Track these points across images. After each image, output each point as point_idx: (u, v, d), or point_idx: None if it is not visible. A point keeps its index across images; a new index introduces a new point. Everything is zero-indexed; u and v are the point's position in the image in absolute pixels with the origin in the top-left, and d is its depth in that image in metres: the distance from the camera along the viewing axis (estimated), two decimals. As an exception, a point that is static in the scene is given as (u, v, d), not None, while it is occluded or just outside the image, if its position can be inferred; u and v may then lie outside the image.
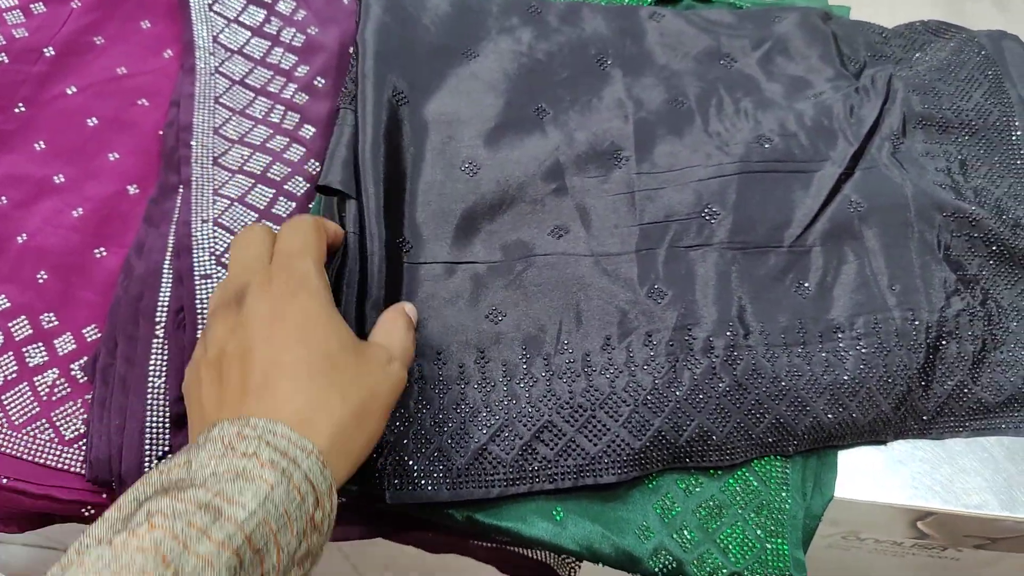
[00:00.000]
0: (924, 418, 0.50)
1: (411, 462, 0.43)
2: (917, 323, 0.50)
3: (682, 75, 0.58)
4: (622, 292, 0.49)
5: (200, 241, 0.50)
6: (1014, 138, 0.57)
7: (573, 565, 0.51)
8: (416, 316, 0.46)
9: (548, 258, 0.50)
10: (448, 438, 0.44)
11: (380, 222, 0.48)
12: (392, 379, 0.40)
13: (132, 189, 0.55)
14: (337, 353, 0.38)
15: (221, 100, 0.58)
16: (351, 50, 0.56)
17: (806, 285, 0.51)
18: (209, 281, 0.49)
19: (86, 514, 0.47)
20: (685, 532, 0.46)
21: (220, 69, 0.59)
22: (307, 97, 0.58)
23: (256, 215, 0.52)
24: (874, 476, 0.50)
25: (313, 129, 0.57)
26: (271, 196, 0.53)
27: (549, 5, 0.60)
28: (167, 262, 0.50)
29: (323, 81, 0.59)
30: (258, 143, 0.56)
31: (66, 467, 0.47)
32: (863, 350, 0.49)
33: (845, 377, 0.48)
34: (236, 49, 0.60)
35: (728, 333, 0.48)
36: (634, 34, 0.60)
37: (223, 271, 0.50)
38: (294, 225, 0.43)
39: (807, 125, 0.56)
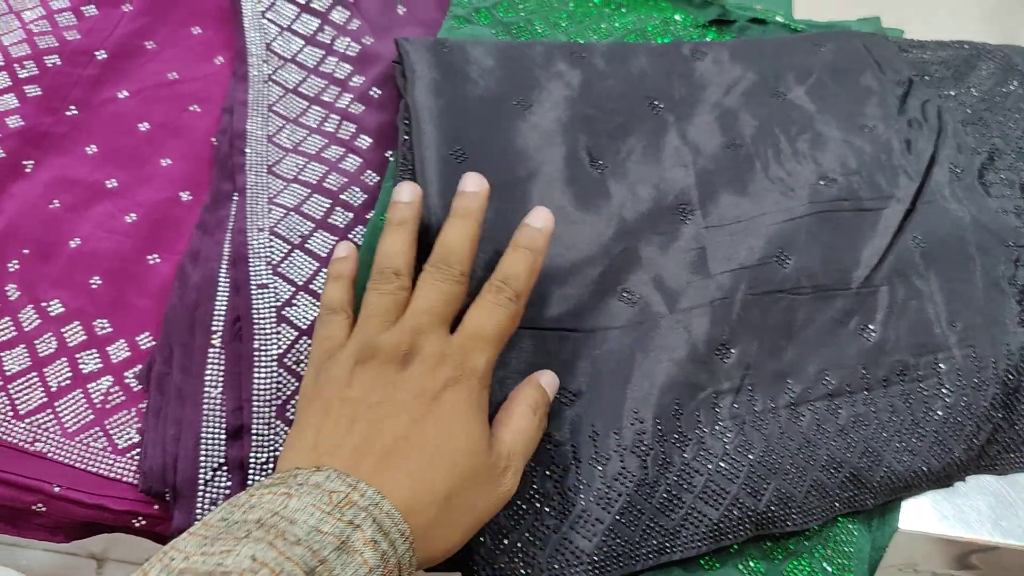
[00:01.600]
0: (991, 454, 0.49)
1: (493, 560, 0.41)
2: (980, 360, 0.49)
3: (735, 113, 0.57)
4: (689, 353, 0.47)
5: (256, 250, 0.50)
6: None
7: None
8: (555, 388, 0.44)
9: (616, 326, 0.48)
10: (526, 531, 0.42)
11: None
12: (499, 494, 0.39)
13: (184, 196, 0.55)
14: (462, 457, 0.38)
15: (275, 108, 0.57)
16: (398, 117, 0.54)
17: (871, 328, 0.50)
18: (266, 291, 0.48)
19: (136, 525, 0.46)
20: (751, 563, 0.45)
21: (273, 77, 0.58)
22: (363, 107, 0.57)
23: (312, 224, 0.51)
24: (937, 507, 0.49)
25: (370, 140, 0.56)
26: (328, 206, 0.52)
27: (592, 47, 0.58)
28: (223, 270, 0.49)
29: (379, 91, 0.58)
30: (313, 152, 0.55)
31: (119, 476, 0.46)
32: (926, 392, 0.49)
33: (911, 423, 0.48)
34: (289, 57, 0.60)
35: (790, 388, 0.47)
36: (682, 73, 0.58)
37: (280, 281, 0.49)
38: (495, 305, 0.41)
39: (867, 162, 0.56)
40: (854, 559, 0.45)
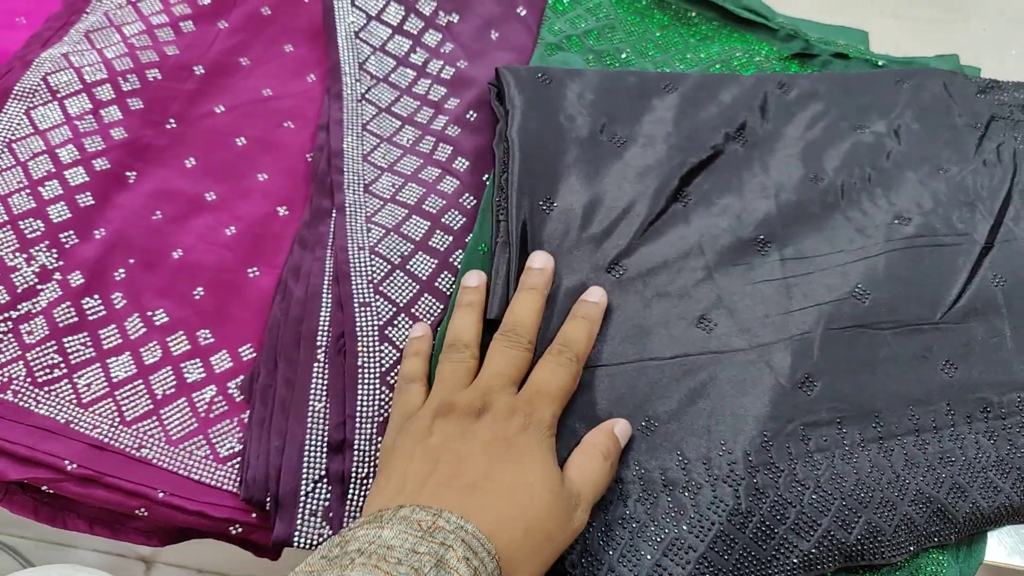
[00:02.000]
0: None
1: None
2: None
3: (818, 146, 0.58)
4: (774, 386, 0.48)
5: (358, 268, 0.51)
6: None
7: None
8: (627, 435, 0.46)
9: (695, 352, 0.49)
10: (619, 556, 0.43)
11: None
12: (572, 528, 0.41)
13: (282, 211, 0.56)
14: (538, 491, 0.40)
15: (369, 127, 0.58)
16: (495, 141, 0.56)
17: (952, 364, 0.51)
18: (368, 309, 0.49)
19: (233, 532, 0.48)
20: (843, 591, 0.45)
21: (367, 96, 0.60)
22: (459, 129, 0.59)
23: (412, 246, 0.53)
24: (1021, 538, 0.49)
25: (467, 162, 0.57)
26: (427, 228, 0.54)
27: (683, 78, 0.59)
28: (326, 286, 0.51)
29: (475, 115, 0.59)
30: (409, 172, 0.56)
31: (220, 484, 0.47)
32: (1011, 430, 0.49)
33: (996, 459, 0.48)
34: (382, 77, 0.61)
35: (878, 423, 0.48)
36: (768, 107, 0.59)
37: (381, 300, 0.50)
38: (557, 365, 0.45)
39: (943, 201, 0.56)
40: (943, 592, 0.46)
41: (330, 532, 0.46)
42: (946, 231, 0.55)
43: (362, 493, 0.46)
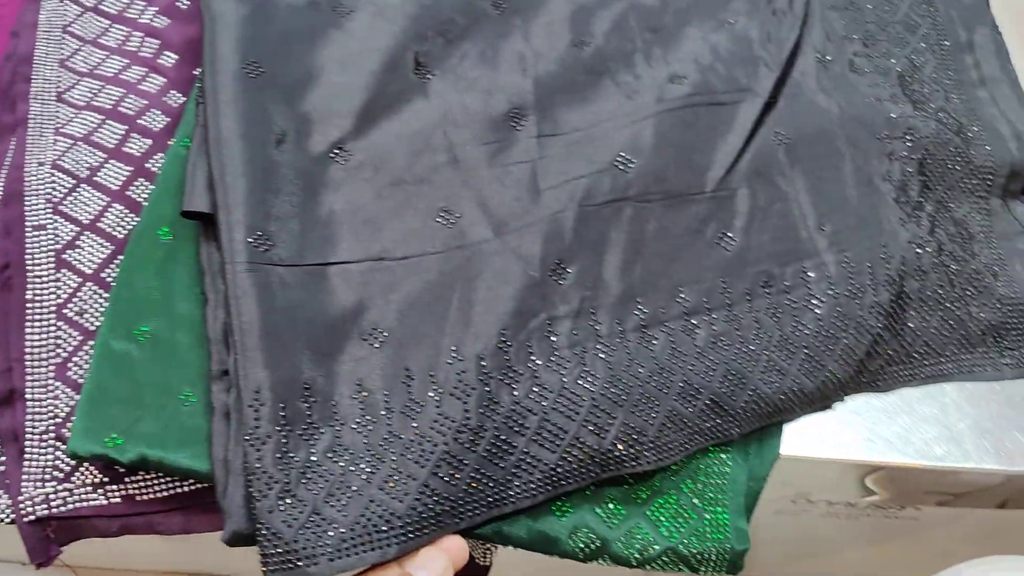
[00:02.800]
0: (872, 369, 0.44)
1: (284, 538, 0.34)
2: (855, 266, 0.44)
3: (588, 9, 0.50)
4: (519, 275, 0.41)
5: (34, 186, 0.43)
6: (945, 46, 0.52)
7: (488, 548, 0.45)
8: (464, 555, 0.37)
9: (432, 251, 0.42)
10: (323, 498, 0.35)
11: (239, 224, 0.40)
12: None
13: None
14: None
15: (70, 28, 0.50)
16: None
17: (729, 235, 0.44)
18: (43, 232, 0.41)
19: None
20: (609, 505, 0.40)
21: (71, -5, 0.51)
22: (169, 21, 0.50)
23: (104, 155, 0.44)
24: (824, 430, 0.44)
25: (175, 56, 0.49)
26: (123, 133, 0.45)
27: None
28: (-6, 213, 0.42)
29: (187, 1, 0.51)
30: (111, 75, 0.48)
31: None
32: (794, 305, 0.43)
33: (779, 338, 0.42)
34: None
35: (640, 308, 0.42)
36: None
37: (61, 221, 0.42)
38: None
39: (723, 56, 0.49)
40: (728, 492, 0.40)
41: (8, 500, 0.38)
42: (725, 88, 0.48)
43: (45, 452, 0.39)
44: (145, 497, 0.40)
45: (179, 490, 0.40)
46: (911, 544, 0.63)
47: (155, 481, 0.40)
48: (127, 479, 0.40)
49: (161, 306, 0.41)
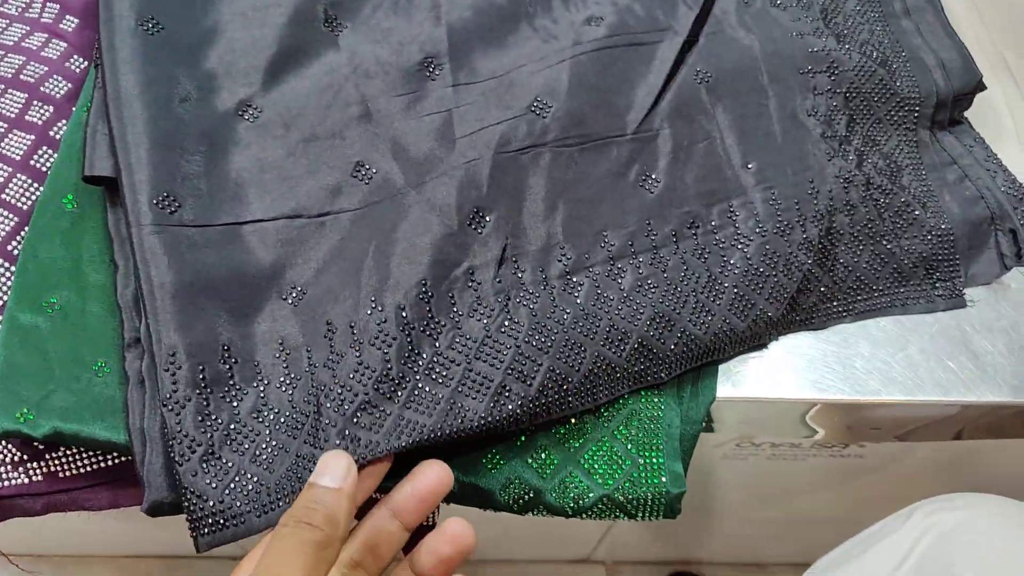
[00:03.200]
0: (805, 307, 0.44)
1: (210, 500, 0.34)
2: (782, 203, 0.44)
3: None
4: (436, 225, 0.40)
5: (-68, 162, 0.41)
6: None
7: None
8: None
9: (350, 208, 0.41)
10: (250, 458, 0.35)
11: (143, 185, 0.38)
12: None
13: None
14: None
15: (-30, -2, 0.47)
16: None
17: (653, 177, 0.44)
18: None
19: None
20: (541, 455, 0.39)
21: (-33, -39, 0.48)
22: (70, -17, 0.48)
23: (5, 125, 0.43)
24: (761, 370, 0.43)
25: (76, 21, 0.47)
26: (23, 101, 0.43)
27: None
28: None
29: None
30: (12, 43, 0.46)
31: None
32: (722, 244, 0.43)
33: (707, 279, 0.42)
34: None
35: (563, 255, 0.41)
36: None
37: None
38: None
39: None
40: (662, 436, 0.40)
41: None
42: (644, 28, 0.47)
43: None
44: (68, 473, 0.39)
45: (104, 464, 0.39)
46: (864, 487, 0.64)
47: (78, 457, 0.39)
48: (48, 456, 0.38)
49: (69, 277, 0.39)
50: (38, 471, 0.39)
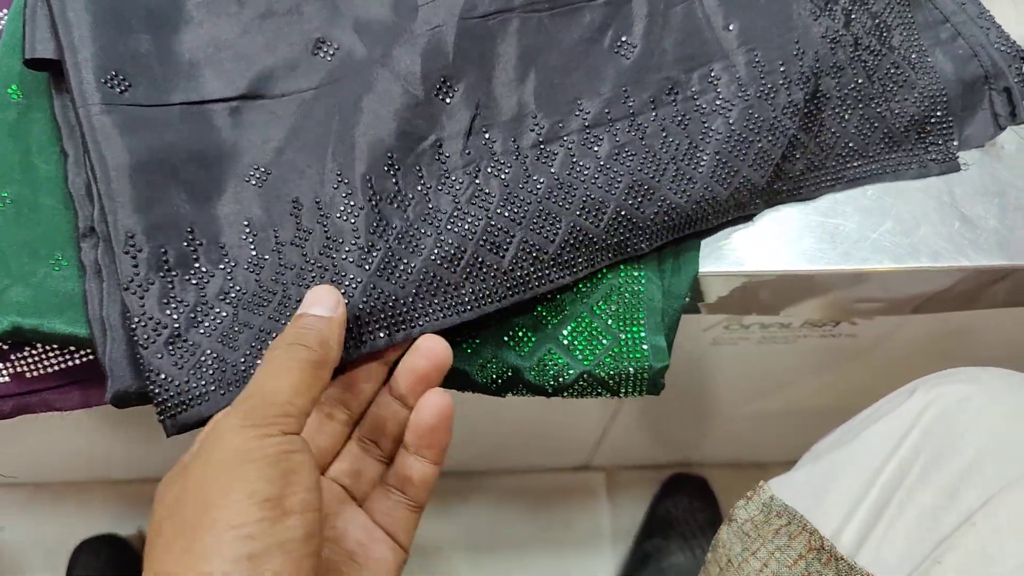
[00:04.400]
0: (792, 176, 0.42)
1: (175, 381, 0.33)
2: (766, 65, 0.42)
3: None
4: (401, 95, 0.38)
5: None
6: None
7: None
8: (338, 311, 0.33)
9: (311, 87, 0.39)
10: (219, 339, 0.34)
11: (87, 63, 0.36)
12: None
13: None
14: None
15: None
16: None
17: (628, 42, 0.42)
18: None
19: None
20: (519, 333, 0.38)
21: None
22: None
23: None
24: (748, 243, 0.42)
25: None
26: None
27: None
28: None
29: None
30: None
31: None
32: (703, 109, 0.41)
33: (687, 146, 0.40)
34: None
35: (536, 124, 0.39)
36: None
37: None
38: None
39: None
40: (643, 310, 0.39)
41: None
42: None
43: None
44: (36, 373, 0.38)
45: (72, 363, 0.38)
46: (859, 370, 0.63)
47: (44, 356, 0.38)
48: (14, 356, 0.38)
49: (19, 169, 0.38)
50: (5, 372, 0.38)
